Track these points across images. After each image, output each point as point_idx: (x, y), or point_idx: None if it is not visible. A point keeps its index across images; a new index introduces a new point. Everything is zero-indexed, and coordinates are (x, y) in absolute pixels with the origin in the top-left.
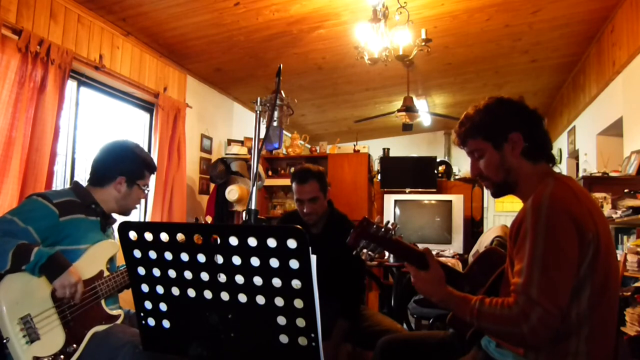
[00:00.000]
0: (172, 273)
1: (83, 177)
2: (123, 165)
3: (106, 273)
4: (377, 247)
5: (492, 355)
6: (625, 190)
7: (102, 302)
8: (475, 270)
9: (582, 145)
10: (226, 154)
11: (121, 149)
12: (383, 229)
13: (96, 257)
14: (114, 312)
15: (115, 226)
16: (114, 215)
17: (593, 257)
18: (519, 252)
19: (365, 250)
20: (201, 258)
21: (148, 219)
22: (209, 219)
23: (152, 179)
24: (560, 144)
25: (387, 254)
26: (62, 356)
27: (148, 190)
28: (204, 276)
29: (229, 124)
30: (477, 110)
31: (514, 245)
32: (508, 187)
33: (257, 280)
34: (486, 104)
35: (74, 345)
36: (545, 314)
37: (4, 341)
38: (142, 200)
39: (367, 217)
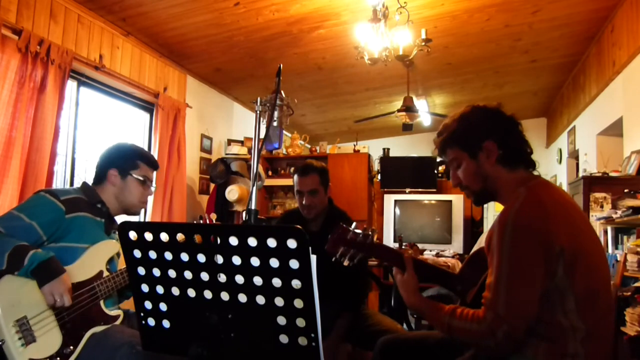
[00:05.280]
0: (172, 273)
1: (83, 177)
2: (114, 158)
3: (105, 273)
4: (357, 253)
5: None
6: (625, 190)
7: (102, 303)
8: (467, 270)
9: (582, 145)
10: (226, 154)
11: (114, 146)
12: (361, 235)
13: (96, 257)
14: (113, 313)
15: None
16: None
17: (567, 266)
18: (490, 265)
19: (344, 257)
20: (201, 258)
21: (148, 219)
22: (213, 217)
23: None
24: (560, 144)
25: None
26: (58, 358)
27: (152, 186)
28: (204, 276)
29: (229, 124)
30: (453, 119)
31: (488, 255)
32: (488, 195)
33: (257, 280)
34: (461, 113)
35: (71, 347)
36: (511, 330)
37: (0, 343)
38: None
39: (342, 224)
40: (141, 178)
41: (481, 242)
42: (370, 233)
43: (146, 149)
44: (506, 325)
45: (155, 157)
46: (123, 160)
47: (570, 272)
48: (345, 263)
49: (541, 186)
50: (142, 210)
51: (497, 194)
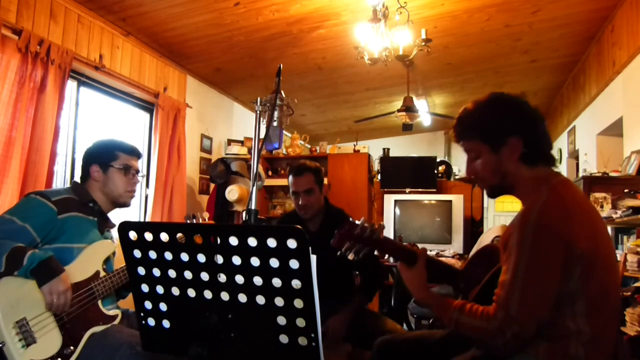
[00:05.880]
0: (172, 273)
1: None
2: (93, 155)
3: (102, 273)
4: (362, 247)
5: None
6: (625, 190)
7: (99, 302)
8: (472, 267)
9: (582, 145)
10: (226, 154)
11: (92, 143)
12: (368, 230)
13: (92, 258)
14: (111, 313)
15: (115, 228)
16: (114, 214)
17: (585, 270)
18: (505, 263)
19: (350, 251)
20: (201, 258)
21: (148, 219)
22: (206, 215)
23: (143, 168)
24: (560, 144)
25: (386, 255)
26: (59, 359)
27: (138, 174)
28: (204, 276)
29: (229, 124)
30: (476, 107)
31: (503, 253)
32: (504, 189)
33: (257, 280)
34: (487, 101)
35: (71, 347)
36: (521, 331)
37: (0, 345)
38: (143, 198)
39: (350, 219)
40: (122, 167)
41: (481, 241)
42: (377, 228)
43: (146, 149)
44: (517, 325)
45: (155, 157)
46: (102, 155)
47: (585, 277)
48: (350, 257)
49: (563, 185)
50: (142, 210)
51: (514, 189)
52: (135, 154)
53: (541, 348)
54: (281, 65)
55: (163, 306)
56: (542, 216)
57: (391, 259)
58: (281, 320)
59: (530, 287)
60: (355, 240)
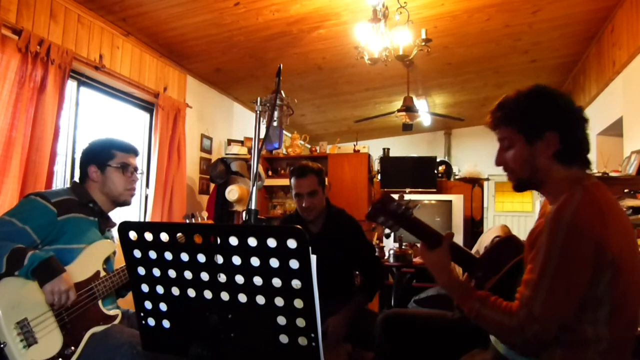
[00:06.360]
0: (172, 273)
1: None
2: (90, 155)
3: (102, 273)
4: (394, 224)
5: (502, 353)
6: (625, 190)
7: (100, 302)
8: (491, 257)
9: None
10: (226, 154)
11: (88, 143)
12: (403, 207)
13: (92, 258)
14: (112, 313)
15: (116, 228)
16: (115, 214)
17: (614, 276)
18: (532, 261)
19: (383, 225)
20: (201, 258)
21: (148, 219)
22: (205, 214)
23: (148, 173)
24: None
25: (386, 255)
26: (60, 359)
27: (137, 172)
28: (204, 276)
29: (229, 124)
30: (518, 97)
31: (530, 251)
32: (532, 185)
33: (257, 280)
34: (530, 92)
35: (72, 348)
36: (541, 331)
37: (1, 346)
38: (143, 198)
39: (388, 193)
40: (120, 166)
41: (482, 241)
42: (411, 206)
43: (146, 149)
44: (538, 325)
45: (155, 157)
46: (98, 155)
47: (613, 283)
48: (381, 229)
49: (597, 187)
50: (142, 210)
51: (543, 186)
52: (132, 151)
53: (556, 355)
54: (281, 65)
55: (163, 306)
56: (576, 217)
57: (391, 259)
58: (281, 320)
59: (556, 288)
60: (389, 215)
